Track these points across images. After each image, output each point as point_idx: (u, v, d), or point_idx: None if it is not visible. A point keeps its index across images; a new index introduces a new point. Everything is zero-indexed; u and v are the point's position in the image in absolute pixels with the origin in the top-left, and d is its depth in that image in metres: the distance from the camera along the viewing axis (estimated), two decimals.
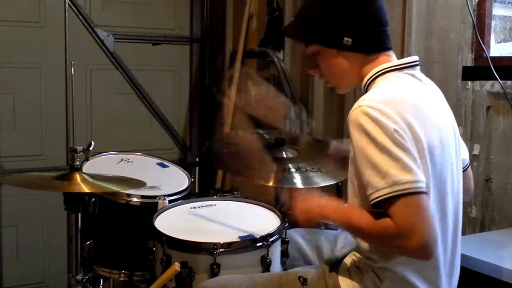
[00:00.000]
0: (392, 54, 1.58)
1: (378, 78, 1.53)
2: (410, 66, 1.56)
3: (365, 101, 1.42)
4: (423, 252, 1.34)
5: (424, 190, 1.35)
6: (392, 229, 1.35)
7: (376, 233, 1.39)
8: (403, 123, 1.38)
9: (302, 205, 1.56)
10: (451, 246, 1.52)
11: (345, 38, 1.52)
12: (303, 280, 1.56)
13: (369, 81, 1.54)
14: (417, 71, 1.57)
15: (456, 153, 1.57)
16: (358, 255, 1.55)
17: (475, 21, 2.33)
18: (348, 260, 1.58)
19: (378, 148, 1.35)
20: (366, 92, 1.54)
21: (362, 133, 1.38)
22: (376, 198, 1.35)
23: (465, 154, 1.70)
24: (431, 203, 1.44)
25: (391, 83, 1.50)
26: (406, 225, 1.33)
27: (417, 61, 1.58)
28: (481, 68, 2.32)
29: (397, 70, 1.53)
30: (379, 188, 1.34)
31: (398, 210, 1.33)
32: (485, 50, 2.31)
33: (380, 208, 1.37)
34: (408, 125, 1.39)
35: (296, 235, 1.95)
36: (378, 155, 1.35)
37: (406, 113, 1.40)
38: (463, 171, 1.65)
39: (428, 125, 1.44)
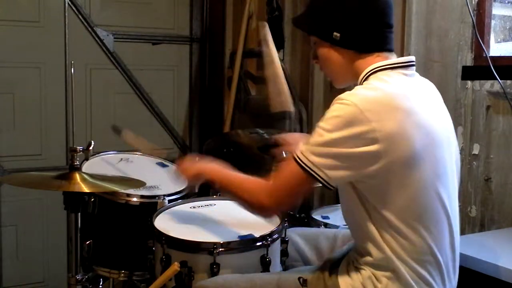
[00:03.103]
0: (390, 55, 1.56)
1: (371, 77, 1.52)
2: (404, 66, 1.54)
3: (345, 95, 1.43)
4: (262, 212, 1.57)
5: (316, 176, 1.41)
6: (259, 182, 1.51)
7: (243, 182, 1.57)
8: (378, 128, 1.37)
9: (186, 164, 1.79)
10: (450, 247, 1.52)
11: (334, 33, 1.53)
12: (303, 281, 1.56)
13: (362, 80, 1.53)
14: (410, 71, 1.55)
15: (451, 152, 1.56)
16: (357, 255, 1.55)
17: (474, 21, 2.33)
18: (347, 261, 1.58)
19: (326, 131, 1.41)
20: None
21: (329, 115, 1.43)
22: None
23: None
24: (431, 203, 1.44)
25: (380, 83, 1.48)
26: (275, 185, 1.48)
27: (412, 61, 1.57)
28: (481, 68, 2.32)
29: (389, 69, 1.52)
30: (299, 149, 1.45)
31: (283, 169, 1.48)
32: (485, 50, 2.31)
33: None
34: (381, 132, 1.38)
35: (294, 235, 1.95)
36: (321, 134, 1.42)
37: (387, 114, 1.39)
38: None
39: (416, 127, 1.42)
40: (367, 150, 1.38)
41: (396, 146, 1.39)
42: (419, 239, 1.45)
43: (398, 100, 1.43)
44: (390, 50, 1.57)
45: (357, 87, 1.49)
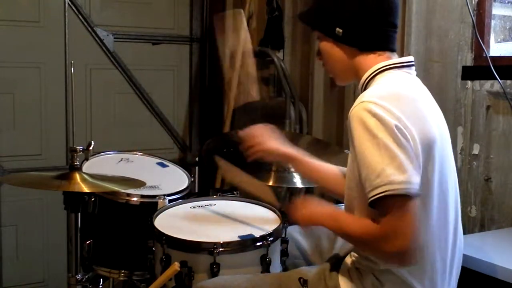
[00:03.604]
0: (392, 55, 1.56)
1: (377, 76, 1.52)
2: (408, 65, 1.56)
3: (366, 97, 1.41)
4: (404, 257, 1.34)
5: (415, 192, 1.33)
6: (375, 230, 1.35)
7: (361, 236, 1.41)
8: (405, 119, 1.38)
9: (301, 212, 1.59)
10: (451, 247, 1.52)
11: (337, 29, 1.53)
12: (303, 282, 1.56)
13: (367, 79, 1.53)
14: (412, 70, 1.57)
15: (450, 149, 1.57)
16: (358, 256, 1.55)
17: (474, 21, 2.33)
18: (348, 261, 1.57)
19: (376, 144, 1.35)
20: (364, 90, 1.53)
21: (363, 129, 1.37)
22: (372, 197, 1.35)
23: None
24: (434, 203, 1.44)
25: (391, 80, 1.50)
26: (391, 227, 1.33)
27: (413, 61, 1.58)
28: (481, 68, 2.32)
29: (396, 68, 1.53)
30: (375, 186, 1.34)
31: (386, 210, 1.33)
32: (485, 50, 2.31)
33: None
34: (409, 122, 1.38)
35: (295, 233, 1.95)
36: (376, 152, 1.34)
37: (407, 110, 1.40)
38: None
39: (429, 122, 1.44)
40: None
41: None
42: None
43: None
44: (392, 50, 1.57)
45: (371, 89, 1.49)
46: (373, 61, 1.53)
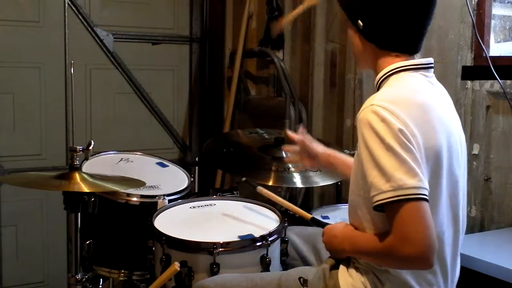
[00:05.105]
0: (412, 57, 1.51)
1: (393, 77, 1.49)
2: (426, 67, 1.52)
3: (375, 100, 1.40)
4: (422, 261, 1.33)
5: (426, 196, 1.33)
6: (388, 239, 1.35)
7: (377, 249, 1.41)
8: (411, 125, 1.36)
9: (327, 239, 1.61)
10: (453, 249, 1.52)
11: (359, 21, 1.50)
12: (303, 281, 1.55)
13: (382, 78, 1.51)
14: (431, 73, 1.53)
15: (463, 156, 1.55)
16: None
17: (474, 21, 2.33)
18: (347, 261, 1.57)
19: (385, 148, 1.34)
20: (378, 88, 1.52)
21: (371, 132, 1.36)
22: (379, 200, 1.34)
23: None
24: (442, 209, 1.43)
25: (404, 83, 1.47)
26: (407, 232, 1.32)
27: (432, 63, 1.54)
28: (481, 68, 2.32)
29: (413, 70, 1.49)
30: (383, 191, 1.33)
31: (400, 215, 1.32)
32: (485, 50, 2.31)
33: (382, 211, 1.37)
34: (415, 128, 1.37)
35: (293, 235, 1.95)
36: (384, 156, 1.33)
37: (414, 116, 1.38)
38: None
39: (438, 130, 1.43)
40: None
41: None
42: None
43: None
44: (414, 52, 1.52)
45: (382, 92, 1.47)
46: (390, 61, 1.50)
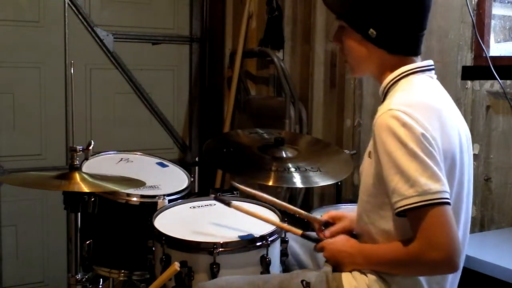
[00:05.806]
0: (416, 59, 1.53)
1: (402, 80, 1.50)
2: (430, 69, 1.54)
3: (393, 105, 1.39)
4: (449, 265, 1.34)
5: (449, 200, 1.34)
6: (412, 246, 1.35)
7: (399, 258, 1.40)
8: (431, 128, 1.37)
9: (331, 254, 1.58)
10: (462, 245, 1.52)
11: (371, 29, 1.49)
12: (306, 284, 1.54)
13: (391, 82, 1.51)
14: (433, 74, 1.55)
15: (469, 156, 1.56)
16: None
17: (474, 21, 2.33)
18: None
19: (408, 153, 1.33)
20: (386, 92, 1.52)
21: (392, 137, 1.35)
22: (403, 206, 1.33)
23: None
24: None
25: (416, 86, 1.48)
26: (433, 237, 1.32)
27: (433, 64, 1.56)
28: (481, 68, 2.32)
29: (420, 72, 1.51)
30: (407, 196, 1.32)
31: (425, 220, 1.32)
32: (485, 50, 2.31)
33: (403, 216, 1.36)
34: (434, 132, 1.37)
35: (290, 240, 1.93)
36: (407, 161, 1.33)
37: (433, 120, 1.39)
38: None
39: (451, 130, 1.44)
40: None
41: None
42: None
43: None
44: (418, 54, 1.54)
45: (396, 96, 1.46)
46: (398, 64, 1.51)
